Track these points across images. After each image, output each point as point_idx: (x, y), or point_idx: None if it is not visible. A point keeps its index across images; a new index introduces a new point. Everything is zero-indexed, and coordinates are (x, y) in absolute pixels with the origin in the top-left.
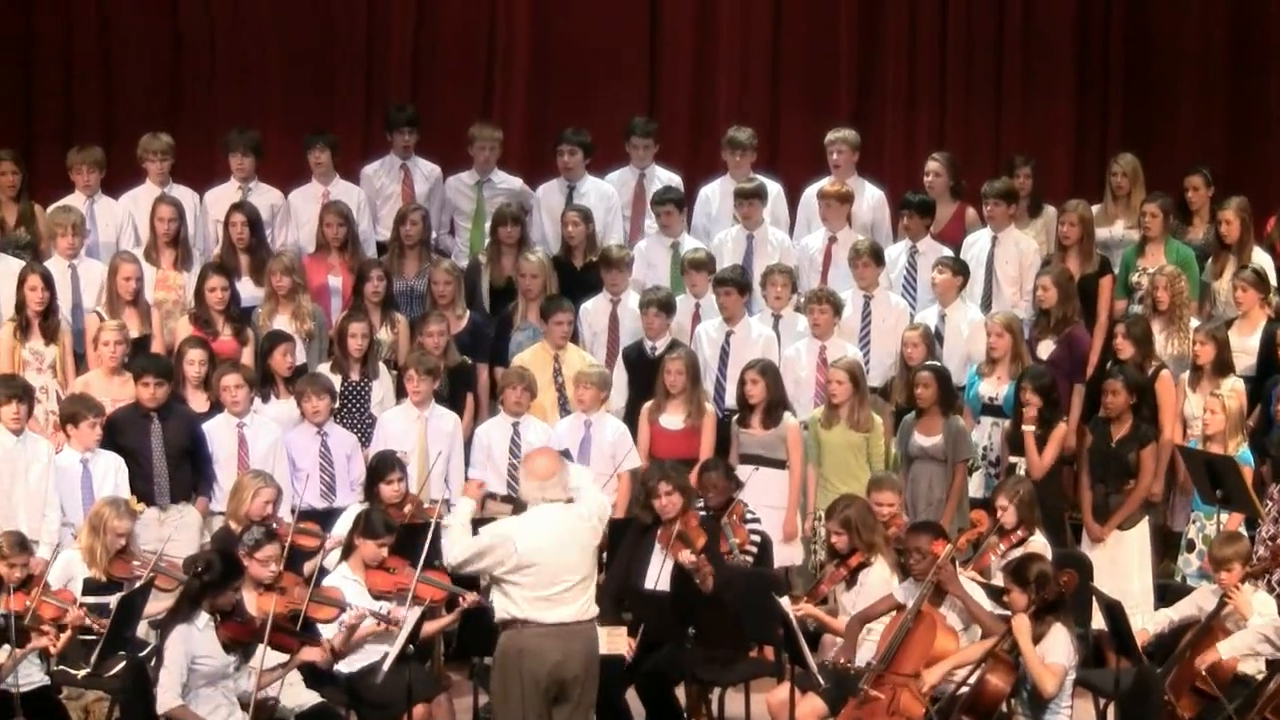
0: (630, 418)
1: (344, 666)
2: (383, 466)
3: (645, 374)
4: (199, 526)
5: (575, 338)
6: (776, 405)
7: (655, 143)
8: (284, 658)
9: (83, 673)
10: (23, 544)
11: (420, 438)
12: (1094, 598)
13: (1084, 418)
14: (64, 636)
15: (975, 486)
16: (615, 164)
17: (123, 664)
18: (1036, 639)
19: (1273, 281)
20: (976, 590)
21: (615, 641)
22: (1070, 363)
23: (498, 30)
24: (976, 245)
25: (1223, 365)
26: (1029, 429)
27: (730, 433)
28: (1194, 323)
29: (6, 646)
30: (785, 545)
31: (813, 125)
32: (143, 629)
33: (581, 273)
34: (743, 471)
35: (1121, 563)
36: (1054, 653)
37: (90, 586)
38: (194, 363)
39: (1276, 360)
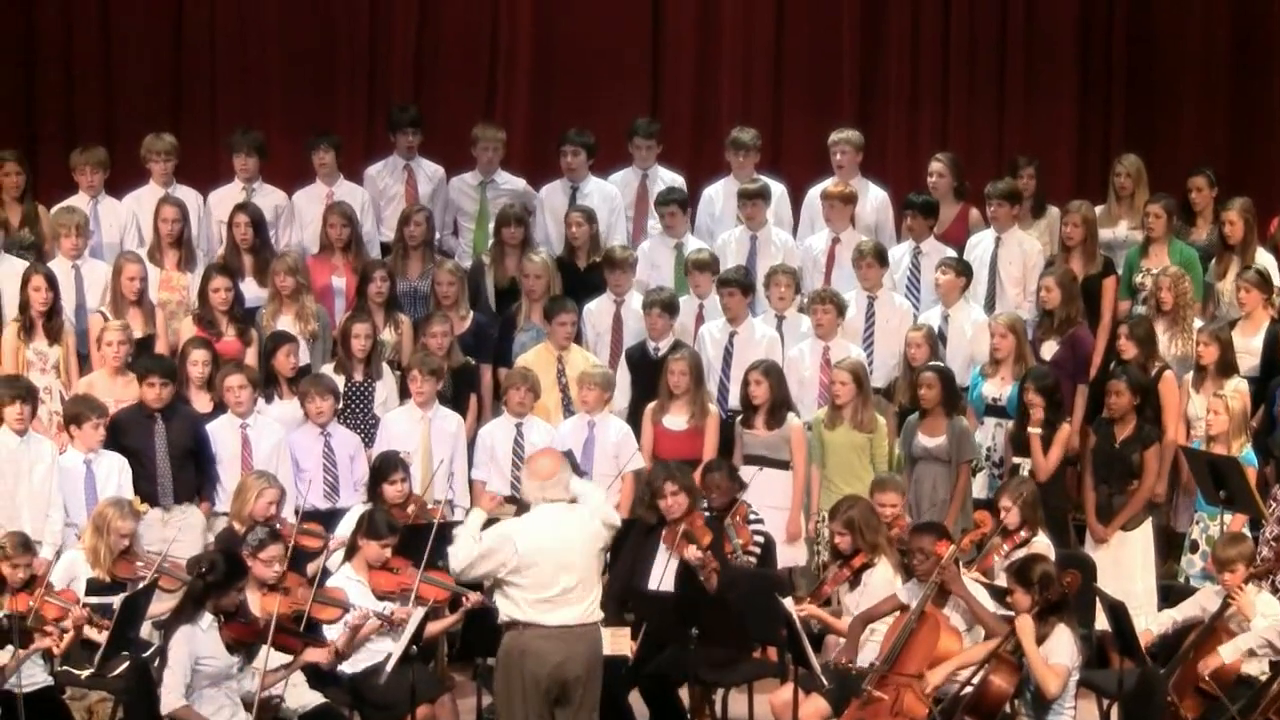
0: (633, 418)
1: (347, 667)
2: (386, 467)
3: (648, 375)
4: (202, 527)
5: (579, 338)
6: (780, 406)
7: (658, 143)
8: (287, 658)
9: (86, 673)
10: (26, 544)
11: (424, 438)
12: (1097, 598)
13: (1087, 418)
14: (67, 637)
15: (979, 487)
16: (618, 165)
17: (126, 665)
18: (1040, 640)
19: (1276, 282)
20: (980, 591)
21: (618, 643)
22: (1074, 363)
23: (500, 31)
24: (980, 246)
25: (1226, 366)
26: (1035, 431)
27: (734, 433)
28: (1197, 323)
29: (10, 647)
30: (789, 546)
31: (816, 126)
32: (146, 629)
33: (585, 273)
34: (746, 472)
35: (1125, 563)
36: (1057, 653)
37: (94, 587)
38: (197, 363)
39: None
